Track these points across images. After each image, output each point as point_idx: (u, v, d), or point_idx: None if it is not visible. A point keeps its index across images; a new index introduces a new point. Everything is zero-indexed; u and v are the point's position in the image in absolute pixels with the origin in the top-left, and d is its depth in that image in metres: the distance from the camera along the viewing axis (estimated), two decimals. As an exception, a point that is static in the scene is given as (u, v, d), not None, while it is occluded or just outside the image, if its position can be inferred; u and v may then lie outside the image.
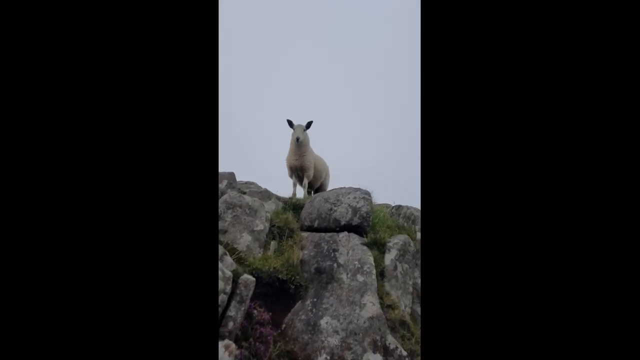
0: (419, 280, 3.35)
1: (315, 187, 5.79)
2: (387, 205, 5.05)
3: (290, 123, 5.11)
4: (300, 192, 5.31)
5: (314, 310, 2.84)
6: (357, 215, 3.68)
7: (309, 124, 5.09)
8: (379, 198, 5.01)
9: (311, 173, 5.27)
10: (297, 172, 5.26)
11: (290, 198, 4.81)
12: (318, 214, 3.85)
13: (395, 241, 3.45)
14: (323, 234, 3.61)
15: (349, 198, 3.86)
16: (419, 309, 3.17)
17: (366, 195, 3.92)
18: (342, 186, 4.29)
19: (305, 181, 5.24)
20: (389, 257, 3.30)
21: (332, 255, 3.28)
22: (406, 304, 3.12)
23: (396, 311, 2.86)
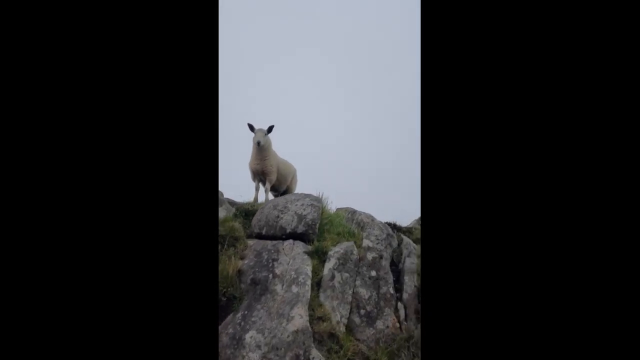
0: (360, 289, 3.32)
1: (281, 190, 5.75)
2: (347, 210, 5.01)
3: (251, 127, 5.06)
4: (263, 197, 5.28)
5: (242, 323, 2.81)
6: (303, 223, 3.64)
7: (270, 128, 5.04)
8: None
9: (273, 177, 5.23)
10: (260, 176, 5.23)
11: (248, 202, 4.78)
12: (266, 221, 3.81)
13: (337, 250, 3.41)
14: (268, 242, 3.58)
15: (296, 205, 3.82)
16: (357, 319, 3.15)
17: (315, 202, 3.88)
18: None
19: (267, 185, 5.20)
20: (328, 267, 3.26)
21: (270, 265, 3.25)
22: (342, 315, 3.09)
23: (325, 323, 2.83)
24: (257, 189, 5.29)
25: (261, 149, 5.02)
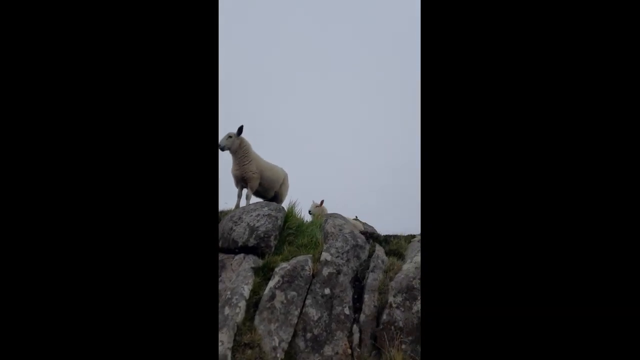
0: (309, 309, 2.98)
1: (269, 197, 5.53)
2: (332, 216, 4.65)
3: (239, 130, 4.85)
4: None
5: (166, 347, 2.63)
6: (254, 236, 3.38)
7: (240, 130, 4.81)
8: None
9: (255, 183, 5.02)
10: (241, 182, 5.05)
11: (222, 211, 4.62)
12: (222, 234, 3.62)
13: (284, 266, 3.10)
14: (219, 256, 3.37)
15: (250, 216, 3.57)
16: (301, 343, 2.82)
17: (272, 212, 3.60)
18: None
19: (248, 192, 5.00)
20: (270, 285, 2.97)
21: (210, 282, 3.03)
22: (283, 339, 2.78)
23: (251, 351, 2.55)
24: (239, 196, 5.12)
25: (236, 154, 4.84)
